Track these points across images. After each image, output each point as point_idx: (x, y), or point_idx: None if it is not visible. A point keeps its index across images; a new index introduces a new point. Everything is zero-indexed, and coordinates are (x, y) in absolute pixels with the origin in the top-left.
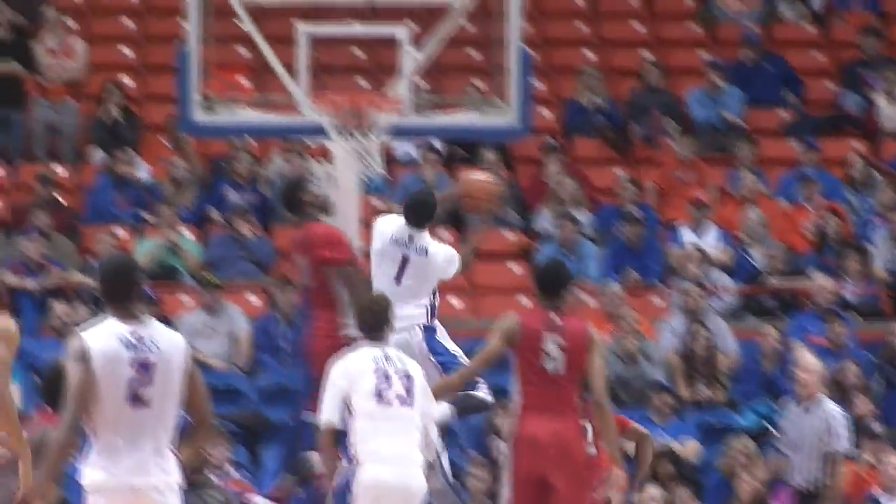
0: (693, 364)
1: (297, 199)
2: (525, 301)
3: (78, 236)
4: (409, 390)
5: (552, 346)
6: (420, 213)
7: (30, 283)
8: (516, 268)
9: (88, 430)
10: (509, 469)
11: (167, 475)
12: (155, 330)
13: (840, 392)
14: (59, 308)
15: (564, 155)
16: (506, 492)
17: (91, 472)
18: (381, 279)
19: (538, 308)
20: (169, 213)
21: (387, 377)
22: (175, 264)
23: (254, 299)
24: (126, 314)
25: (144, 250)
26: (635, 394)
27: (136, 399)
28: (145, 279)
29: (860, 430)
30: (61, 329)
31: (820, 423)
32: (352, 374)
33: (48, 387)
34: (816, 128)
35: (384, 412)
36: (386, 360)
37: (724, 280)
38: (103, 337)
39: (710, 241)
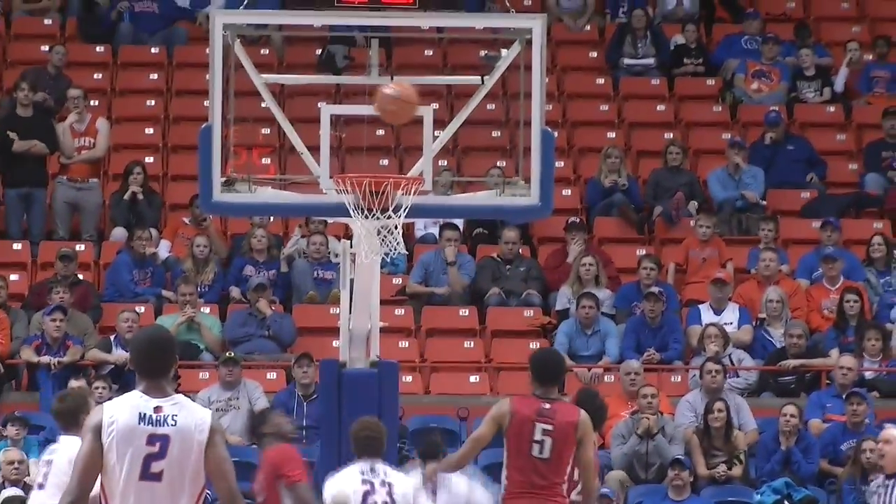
0: (711, 441)
1: (259, 432)
2: None
3: (98, 313)
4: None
5: (541, 433)
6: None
7: (50, 360)
8: (535, 345)
9: (103, 502)
10: None
11: None
12: (178, 405)
13: (860, 470)
14: (77, 385)
15: (586, 233)
16: None
17: None
18: None
19: (531, 395)
20: (189, 291)
21: (372, 486)
22: (195, 341)
23: (272, 375)
24: (154, 388)
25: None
26: (653, 470)
27: (148, 473)
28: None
29: None
30: None
31: None
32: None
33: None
34: (838, 208)
35: None
36: (371, 471)
37: (743, 358)
38: (122, 409)
39: (730, 319)
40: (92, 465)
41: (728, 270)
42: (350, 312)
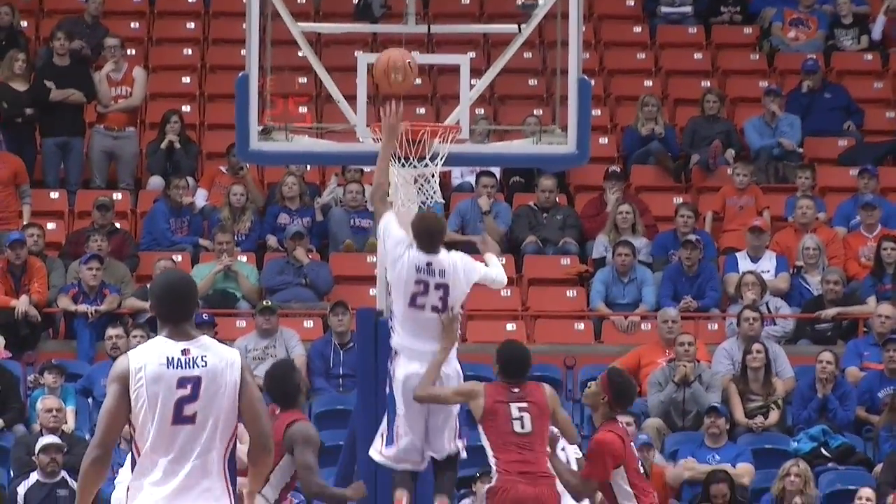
0: (748, 385)
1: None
2: (581, 327)
3: (135, 262)
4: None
5: (518, 410)
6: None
7: (87, 309)
8: (573, 293)
9: (133, 449)
10: None
11: (210, 495)
12: (205, 346)
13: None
14: (114, 333)
15: (624, 182)
16: None
17: (134, 495)
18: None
19: (499, 384)
20: (226, 239)
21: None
22: (231, 289)
23: (309, 324)
24: (177, 332)
25: (201, 276)
26: (689, 418)
27: (180, 416)
28: (199, 298)
29: None
30: (117, 355)
31: None
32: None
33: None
34: (875, 156)
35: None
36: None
37: (780, 306)
38: (149, 356)
39: (767, 267)
40: (119, 416)
41: (765, 218)
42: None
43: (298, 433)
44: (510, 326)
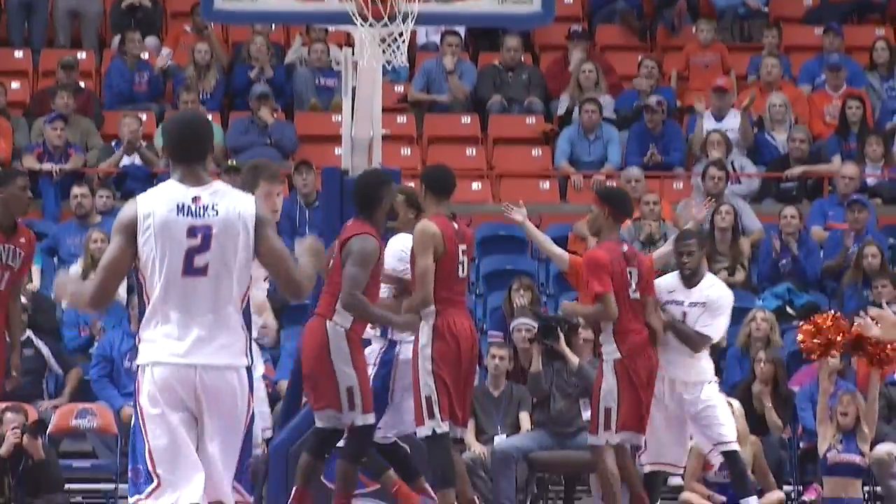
0: (715, 246)
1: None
2: (546, 186)
3: (100, 121)
4: None
5: (461, 254)
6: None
7: (52, 168)
8: (538, 152)
9: (144, 299)
10: (439, 357)
11: (228, 352)
12: (218, 192)
13: (861, 275)
14: (79, 192)
15: (588, 41)
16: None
17: (146, 347)
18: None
19: (441, 215)
20: (190, 98)
21: None
22: None
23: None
24: (190, 175)
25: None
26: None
27: (191, 267)
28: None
29: None
30: (81, 213)
31: None
32: None
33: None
34: (840, 14)
35: None
36: None
37: (745, 164)
38: (158, 202)
39: (732, 126)
40: (120, 267)
41: (730, 78)
42: (352, 120)
43: (356, 246)
44: (475, 186)
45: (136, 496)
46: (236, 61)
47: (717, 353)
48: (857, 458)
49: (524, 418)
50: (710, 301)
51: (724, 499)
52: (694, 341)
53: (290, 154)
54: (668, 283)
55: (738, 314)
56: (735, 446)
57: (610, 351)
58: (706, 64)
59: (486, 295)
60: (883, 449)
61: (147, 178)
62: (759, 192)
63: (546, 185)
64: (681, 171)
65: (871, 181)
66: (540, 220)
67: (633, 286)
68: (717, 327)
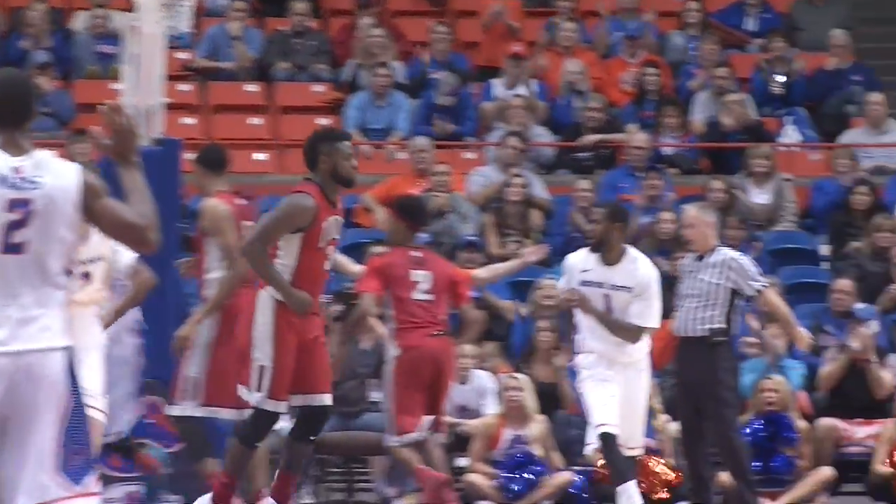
0: (505, 219)
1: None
2: None
3: None
4: None
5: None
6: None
7: None
8: (324, 122)
9: None
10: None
11: (52, 336)
12: (41, 164)
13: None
14: None
15: (377, 6)
16: None
17: None
18: None
19: (227, 192)
20: None
21: None
22: None
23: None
24: (10, 143)
25: None
26: (445, 250)
27: (9, 244)
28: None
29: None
30: None
31: None
32: None
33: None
34: None
35: None
36: None
37: (541, 133)
38: None
39: (527, 93)
40: None
41: (525, 43)
42: (132, 88)
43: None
44: (261, 156)
45: None
46: (13, 29)
47: (505, 325)
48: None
49: None
50: (639, 285)
51: (507, 477)
52: (631, 333)
53: (66, 123)
54: (580, 258)
55: (528, 287)
56: (609, 429)
57: (391, 349)
58: (501, 30)
59: None
60: None
61: None
62: (553, 161)
63: None
64: (473, 141)
65: (667, 151)
66: None
67: (423, 288)
68: (653, 313)
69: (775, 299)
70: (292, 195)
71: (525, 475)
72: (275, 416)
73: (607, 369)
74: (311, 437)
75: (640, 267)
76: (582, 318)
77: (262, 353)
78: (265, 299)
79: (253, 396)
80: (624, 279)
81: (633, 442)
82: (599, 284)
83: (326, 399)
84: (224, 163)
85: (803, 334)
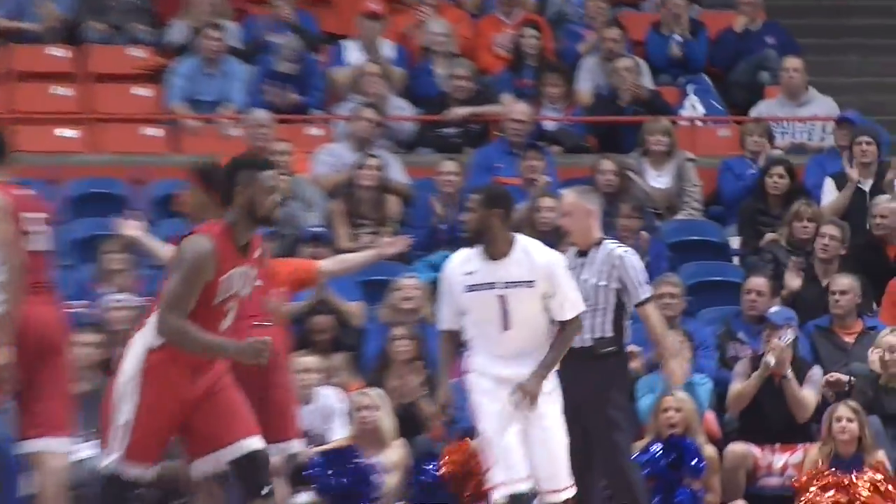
0: (357, 207)
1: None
2: (152, 132)
3: None
4: None
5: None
6: None
7: None
8: (144, 93)
9: None
10: None
11: None
12: None
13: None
14: None
15: None
16: None
17: None
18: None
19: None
20: None
21: None
22: None
23: None
24: None
25: None
26: (285, 244)
27: None
28: None
29: None
30: None
31: None
32: None
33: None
34: None
35: None
36: None
37: (402, 106)
38: None
39: (383, 59)
40: None
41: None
42: None
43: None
44: (69, 133)
45: None
46: None
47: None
48: None
49: None
50: (542, 275)
51: None
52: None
53: None
54: (459, 261)
55: (383, 287)
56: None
57: None
58: None
59: (79, 265)
60: None
61: None
62: (414, 138)
63: (154, 130)
64: (320, 114)
65: (549, 125)
66: (144, 176)
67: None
68: (573, 300)
69: (654, 316)
70: (186, 240)
71: None
72: (128, 485)
73: (500, 391)
74: (263, 493)
75: (535, 254)
76: (470, 325)
77: (126, 407)
78: (138, 345)
79: (108, 457)
80: (520, 273)
81: (555, 483)
82: (490, 285)
83: (247, 445)
84: (7, 148)
85: (677, 370)
